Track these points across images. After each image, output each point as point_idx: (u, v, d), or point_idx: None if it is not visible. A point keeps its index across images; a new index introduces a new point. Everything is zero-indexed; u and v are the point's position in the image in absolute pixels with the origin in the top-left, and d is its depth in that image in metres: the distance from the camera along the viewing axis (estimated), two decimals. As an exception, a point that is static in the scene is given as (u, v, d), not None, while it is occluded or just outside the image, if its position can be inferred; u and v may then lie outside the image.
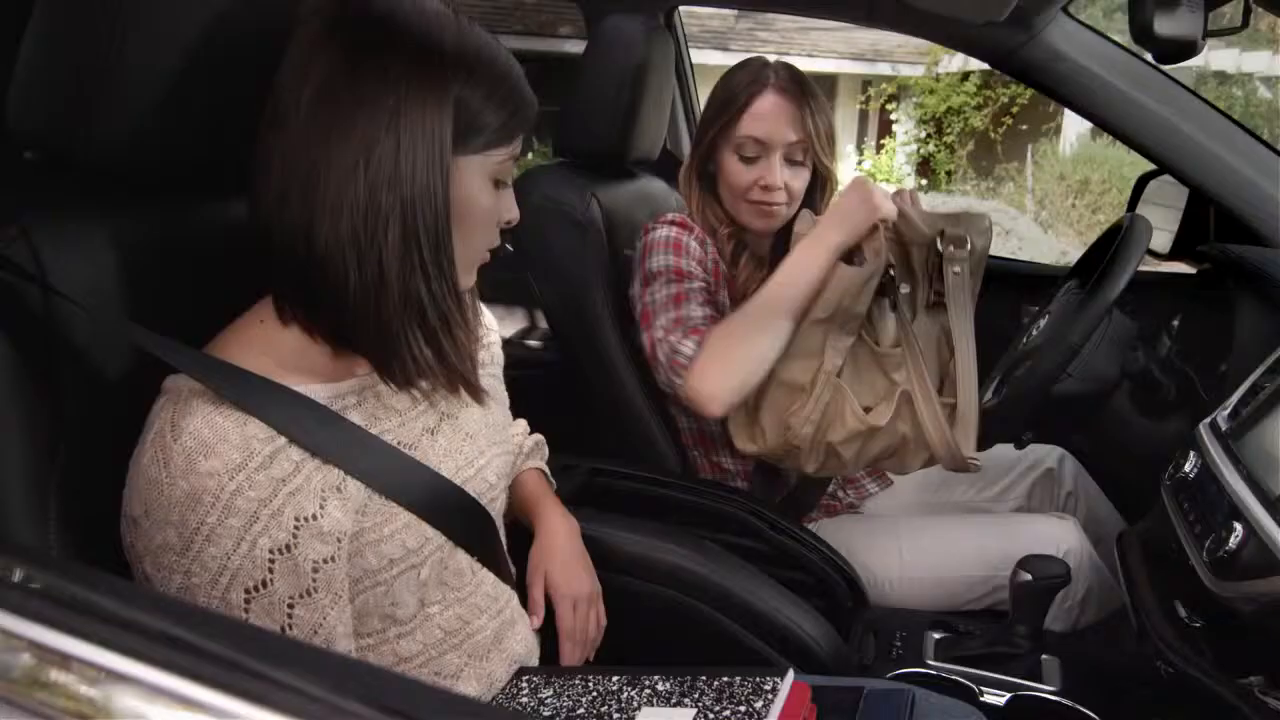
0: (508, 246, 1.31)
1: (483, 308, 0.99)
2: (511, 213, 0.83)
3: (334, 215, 0.70)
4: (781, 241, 1.50)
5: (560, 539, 1.06)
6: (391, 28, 0.72)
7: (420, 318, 0.74)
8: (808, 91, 1.40)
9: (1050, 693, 1.16)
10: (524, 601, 0.99)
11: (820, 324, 1.24)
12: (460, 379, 0.80)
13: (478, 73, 0.74)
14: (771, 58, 1.47)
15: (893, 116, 10.46)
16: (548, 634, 1.01)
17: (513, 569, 0.97)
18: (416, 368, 0.76)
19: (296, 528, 0.69)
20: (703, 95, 2.25)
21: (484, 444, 0.91)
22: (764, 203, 1.41)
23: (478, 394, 0.83)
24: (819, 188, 1.47)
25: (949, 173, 10.21)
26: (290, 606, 0.69)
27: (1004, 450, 1.59)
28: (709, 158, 1.45)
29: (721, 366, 1.23)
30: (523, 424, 1.15)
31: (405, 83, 0.70)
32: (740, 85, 1.40)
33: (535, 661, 0.96)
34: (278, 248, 0.71)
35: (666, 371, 1.30)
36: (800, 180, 1.42)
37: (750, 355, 1.23)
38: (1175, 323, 1.48)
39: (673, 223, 1.41)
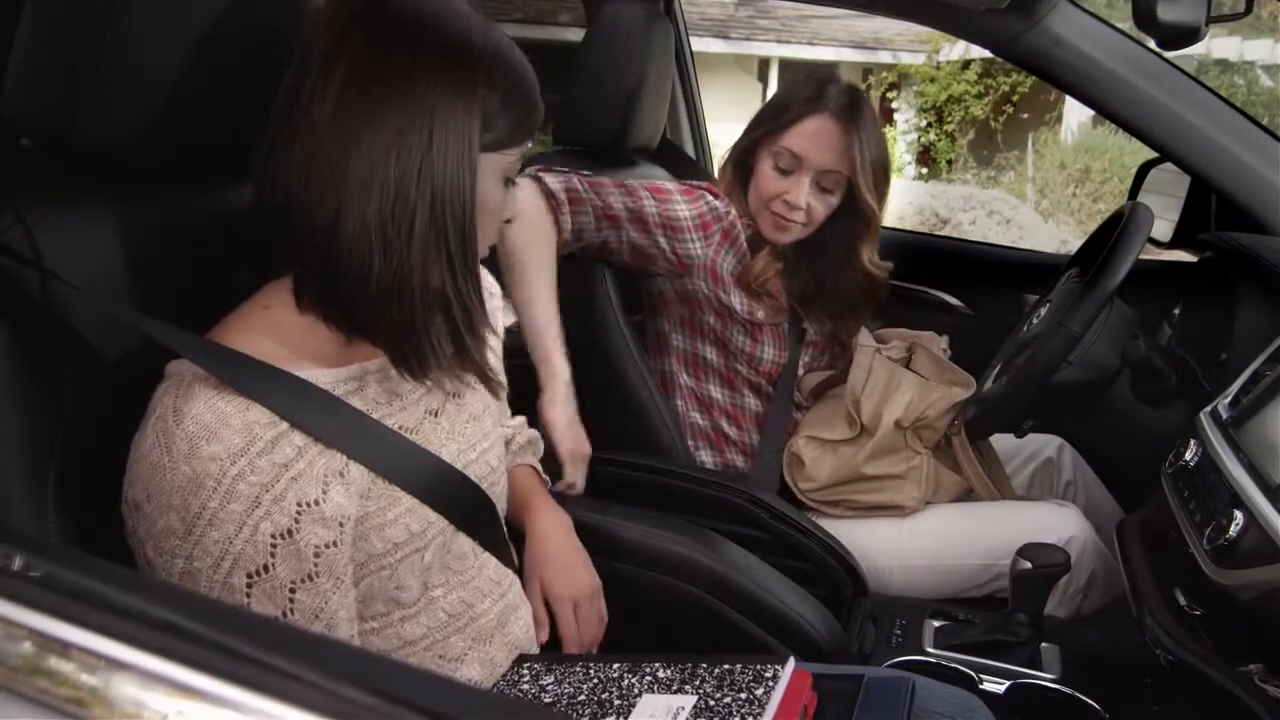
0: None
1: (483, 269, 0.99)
2: (513, 211, 0.84)
3: (361, 202, 0.70)
4: (801, 241, 1.50)
5: (553, 540, 1.05)
6: (425, 20, 0.72)
7: (444, 311, 0.75)
8: (862, 124, 1.40)
9: (1049, 680, 1.17)
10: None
11: (900, 430, 1.42)
12: (479, 374, 0.81)
13: (499, 73, 0.74)
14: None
15: (893, 105, 10.43)
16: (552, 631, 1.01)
17: (515, 554, 0.97)
18: (436, 360, 0.76)
19: (298, 513, 0.69)
20: (703, 83, 2.25)
21: (488, 425, 0.91)
22: (782, 216, 1.43)
23: (494, 387, 0.84)
24: (861, 223, 1.46)
25: (949, 161, 10.17)
26: (292, 591, 0.69)
27: (1004, 439, 1.59)
28: (750, 153, 1.46)
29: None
30: (521, 419, 1.14)
31: (438, 76, 0.71)
32: (799, 98, 1.41)
33: (537, 646, 0.96)
34: (300, 234, 0.71)
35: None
36: (824, 206, 1.43)
37: (511, 240, 1.29)
38: (1176, 311, 1.47)
39: (707, 189, 1.43)
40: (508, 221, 0.84)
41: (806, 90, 1.41)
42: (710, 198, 1.42)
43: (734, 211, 1.44)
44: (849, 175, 1.41)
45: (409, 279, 0.72)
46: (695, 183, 1.46)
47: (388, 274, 0.71)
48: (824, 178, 1.41)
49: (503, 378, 1.01)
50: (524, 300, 1.30)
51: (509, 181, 0.81)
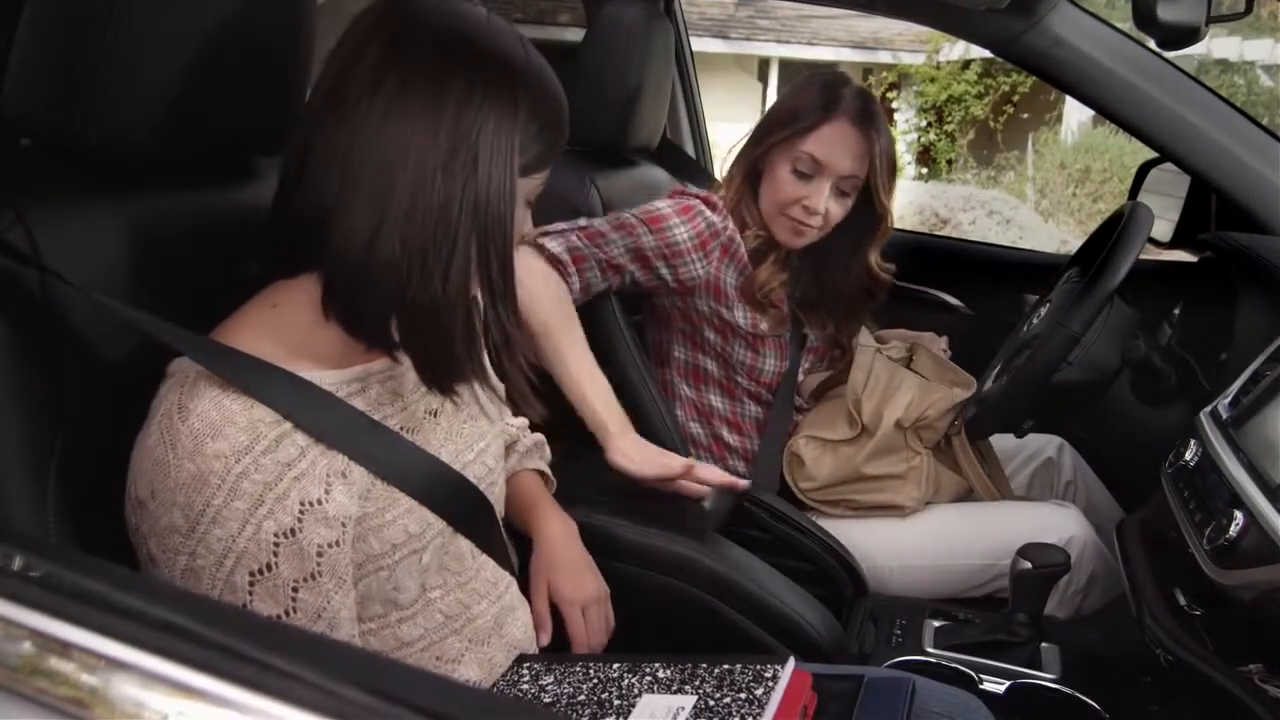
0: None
1: None
2: (529, 227, 0.83)
3: (404, 224, 0.69)
4: (806, 248, 1.50)
5: (559, 545, 1.05)
6: (476, 40, 0.71)
7: (484, 335, 0.75)
8: (879, 127, 1.41)
9: (1049, 680, 1.17)
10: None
11: (901, 430, 1.42)
12: (520, 395, 0.81)
13: (539, 99, 0.74)
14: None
15: (893, 105, 10.41)
16: (554, 636, 1.01)
17: (514, 556, 0.97)
18: (466, 378, 0.76)
19: (301, 512, 0.69)
20: (703, 83, 2.25)
21: (485, 425, 0.91)
22: (800, 222, 1.42)
23: (534, 407, 0.84)
24: (873, 224, 1.48)
25: (949, 161, 10.17)
26: (294, 590, 0.69)
27: (1004, 439, 1.59)
28: (763, 158, 1.45)
29: (531, 301, 1.22)
30: (523, 421, 1.14)
31: (487, 99, 0.70)
32: (814, 104, 1.41)
33: (534, 648, 0.96)
34: (335, 248, 0.70)
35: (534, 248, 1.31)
36: (841, 210, 1.43)
37: (528, 312, 1.18)
38: (1176, 311, 1.47)
39: (699, 197, 1.42)
40: (523, 239, 0.83)
41: (820, 95, 1.41)
42: (706, 211, 1.41)
43: (731, 224, 1.43)
44: (866, 178, 1.42)
45: (446, 302, 0.71)
46: (692, 192, 1.45)
47: (425, 296, 0.71)
48: (843, 182, 1.41)
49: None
50: (567, 375, 1.25)
51: (528, 202, 0.81)
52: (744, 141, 1.49)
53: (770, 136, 1.43)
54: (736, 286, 1.43)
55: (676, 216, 1.38)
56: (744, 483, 1.24)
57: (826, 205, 1.41)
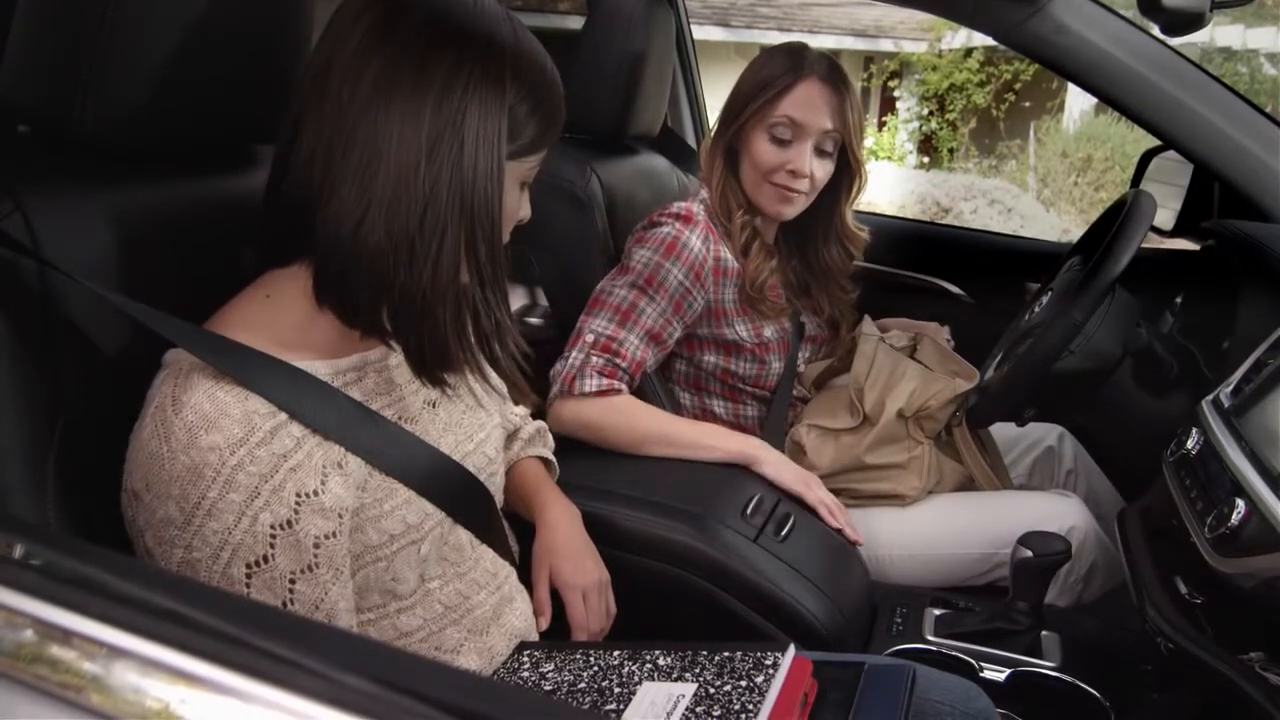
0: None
1: None
2: (526, 211, 0.83)
3: (389, 211, 0.69)
4: (787, 229, 1.50)
5: (562, 530, 1.05)
6: (462, 23, 0.71)
7: (474, 322, 0.75)
8: (847, 83, 1.42)
9: (1050, 668, 1.17)
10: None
11: (902, 419, 1.42)
12: (511, 381, 0.81)
13: (529, 81, 0.73)
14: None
15: (895, 93, 10.40)
16: (555, 622, 1.01)
17: (515, 545, 0.97)
18: (458, 366, 0.76)
19: (298, 503, 0.69)
20: (704, 71, 2.24)
21: (485, 416, 0.90)
22: (787, 188, 1.41)
23: (526, 396, 0.84)
24: (847, 183, 1.48)
25: (951, 150, 10.16)
26: (291, 582, 0.69)
27: (1005, 428, 1.59)
28: (738, 136, 1.44)
29: (589, 428, 1.31)
30: (525, 410, 1.14)
31: (472, 83, 0.70)
32: (782, 68, 1.40)
33: (535, 636, 0.96)
34: (322, 236, 0.70)
35: (562, 374, 1.31)
36: (824, 171, 1.43)
37: (614, 442, 1.31)
38: (1178, 300, 1.47)
39: (678, 216, 1.40)
40: (520, 221, 0.83)
41: (787, 60, 1.41)
42: (688, 237, 1.37)
43: (712, 238, 1.41)
44: (843, 135, 1.41)
45: (435, 289, 0.71)
46: (667, 213, 1.41)
47: (413, 284, 0.70)
48: (823, 140, 1.41)
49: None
50: (680, 448, 1.31)
51: (524, 186, 0.80)
52: (715, 127, 1.48)
53: (742, 113, 1.42)
54: (735, 300, 1.43)
55: (667, 261, 1.35)
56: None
57: (811, 167, 1.40)
